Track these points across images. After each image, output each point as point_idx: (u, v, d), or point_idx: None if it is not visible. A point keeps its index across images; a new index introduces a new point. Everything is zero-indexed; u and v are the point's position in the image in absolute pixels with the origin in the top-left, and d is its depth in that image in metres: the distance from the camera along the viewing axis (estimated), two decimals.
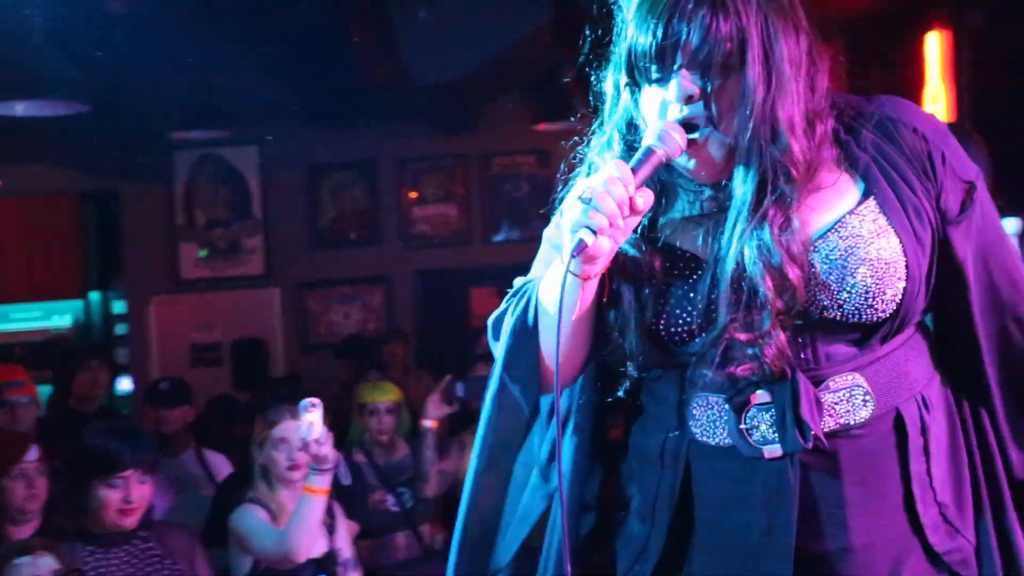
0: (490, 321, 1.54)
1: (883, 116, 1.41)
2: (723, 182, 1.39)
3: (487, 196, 7.17)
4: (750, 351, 1.33)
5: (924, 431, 1.40)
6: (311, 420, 3.12)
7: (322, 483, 3.19)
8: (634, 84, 1.40)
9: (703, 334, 1.37)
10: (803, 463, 1.36)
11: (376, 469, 4.28)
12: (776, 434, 1.35)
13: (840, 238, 1.36)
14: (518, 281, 1.55)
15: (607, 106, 1.47)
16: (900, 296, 1.34)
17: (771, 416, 1.35)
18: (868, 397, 1.37)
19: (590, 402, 1.53)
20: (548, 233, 1.55)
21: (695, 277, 1.39)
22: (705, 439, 1.42)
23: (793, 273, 1.31)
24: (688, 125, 1.34)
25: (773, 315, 1.31)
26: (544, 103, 6.03)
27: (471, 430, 4.10)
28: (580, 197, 1.30)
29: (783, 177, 1.33)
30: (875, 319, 1.35)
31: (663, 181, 1.44)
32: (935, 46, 5.39)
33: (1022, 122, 4.03)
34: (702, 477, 1.43)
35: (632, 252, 1.40)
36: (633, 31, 1.35)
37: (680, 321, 1.38)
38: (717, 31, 1.30)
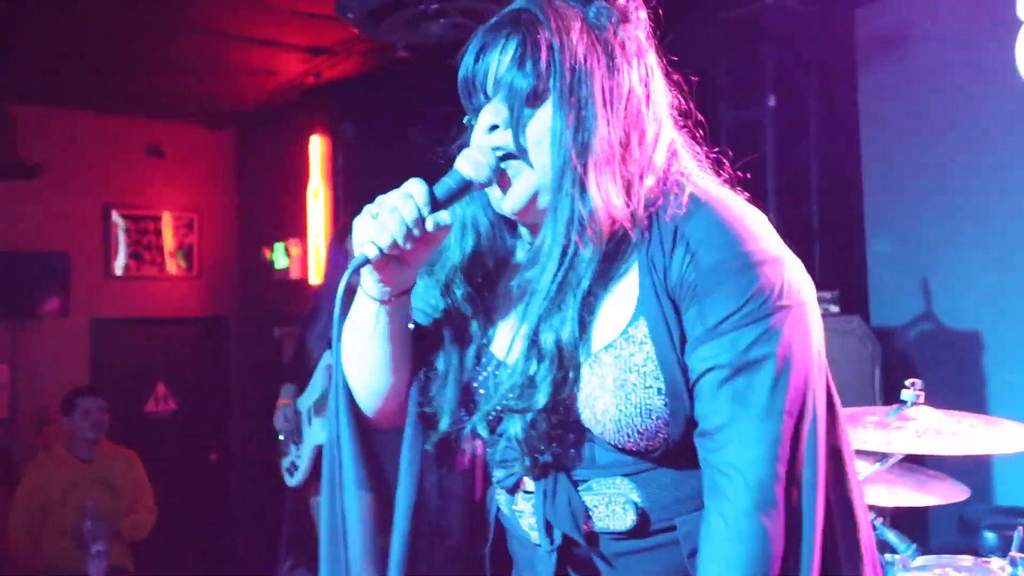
0: None
1: (680, 227, 1.23)
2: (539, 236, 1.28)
3: None
4: (510, 438, 1.25)
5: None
6: None
7: None
8: (472, 117, 1.33)
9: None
10: (575, 558, 1.29)
11: None
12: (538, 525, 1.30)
13: (608, 364, 1.22)
14: None
15: None
16: (662, 434, 1.22)
17: (533, 507, 1.30)
18: (629, 505, 1.25)
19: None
20: None
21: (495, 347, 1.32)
22: (501, 507, 1.38)
23: (563, 380, 1.22)
24: (504, 156, 1.27)
25: (535, 410, 1.22)
26: None
27: None
28: (369, 211, 1.24)
29: (582, 239, 1.22)
30: (634, 449, 1.23)
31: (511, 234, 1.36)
32: (317, 149, 6.14)
33: None
34: (508, 540, 1.40)
35: (462, 308, 1.34)
36: (460, 61, 1.31)
37: (479, 391, 1.32)
38: (524, 61, 1.24)
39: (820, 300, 3.68)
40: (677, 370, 1.20)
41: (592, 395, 1.22)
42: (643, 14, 1.31)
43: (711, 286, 1.18)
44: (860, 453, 2.43)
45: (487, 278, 1.36)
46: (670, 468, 1.25)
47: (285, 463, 4.33)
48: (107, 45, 5.27)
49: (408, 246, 1.22)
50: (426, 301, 1.38)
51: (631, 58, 1.26)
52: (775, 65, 4.00)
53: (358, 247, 1.22)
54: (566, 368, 1.22)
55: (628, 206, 1.23)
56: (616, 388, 1.21)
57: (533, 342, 1.22)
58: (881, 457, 2.44)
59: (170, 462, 5.15)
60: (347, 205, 5.81)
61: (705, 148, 1.37)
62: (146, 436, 5.82)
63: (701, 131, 1.36)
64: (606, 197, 1.21)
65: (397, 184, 1.26)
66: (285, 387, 4.33)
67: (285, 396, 4.32)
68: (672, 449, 1.22)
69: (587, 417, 1.23)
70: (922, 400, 2.40)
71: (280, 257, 6.59)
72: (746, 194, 1.35)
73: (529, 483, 1.29)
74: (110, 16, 4.78)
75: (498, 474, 1.33)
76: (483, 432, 1.29)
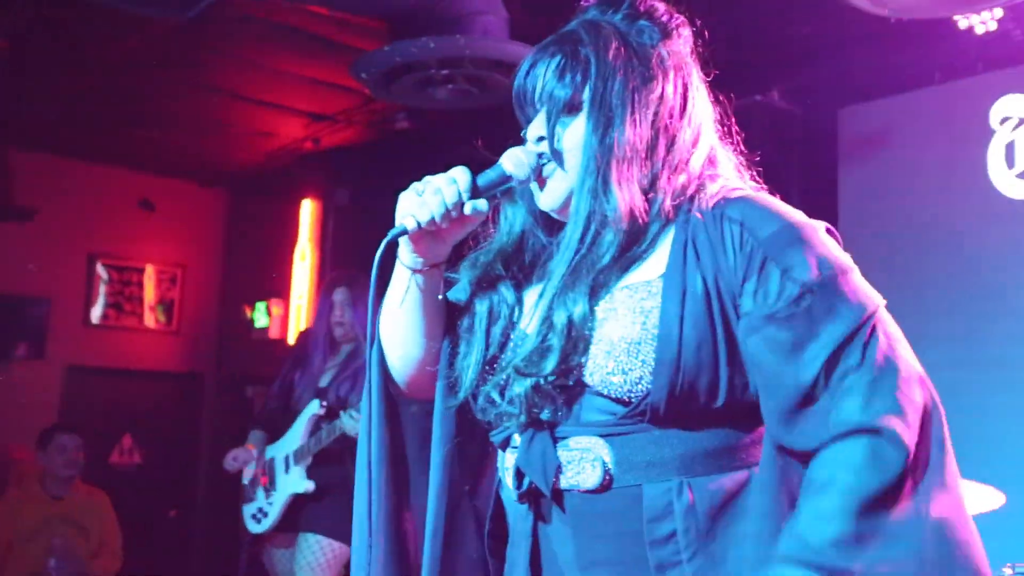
0: None
1: (723, 211, 1.32)
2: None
3: None
4: (513, 396, 1.34)
5: (672, 518, 1.27)
6: None
7: None
8: (525, 129, 1.45)
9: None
10: (543, 514, 1.37)
11: None
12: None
13: (620, 301, 1.31)
14: None
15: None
16: (643, 383, 1.27)
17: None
18: (597, 464, 1.30)
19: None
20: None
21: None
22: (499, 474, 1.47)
23: (572, 350, 1.30)
24: (544, 159, 1.39)
25: (542, 375, 1.30)
26: None
27: None
28: (415, 188, 1.36)
29: (602, 232, 1.33)
30: (617, 393, 1.29)
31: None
32: (307, 212, 6.27)
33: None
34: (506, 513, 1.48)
35: (496, 290, 1.45)
36: (514, 79, 1.45)
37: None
38: (564, 75, 1.37)
39: None
40: (676, 325, 1.26)
41: (604, 320, 1.30)
42: (686, 31, 1.44)
43: (778, 251, 1.27)
44: None
45: (524, 268, 1.48)
46: (649, 430, 1.29)
47: (251, 509, 4.25)
48: (109, 99, 5.38)
49: (444, 225, 1.36)
50: (467, 280, 1.49)
51: (668, 70, 1.38)
52: (758, 159, 4.18)
53: (399, 218, 1.35)
54: (575, 340, 1.30)
55: (648, 199, 1.35)
56: (622, 318, 1.29)
57: (547, 317, 1.33)
58: None
59: (131, 515, 5.11)
60: (334, 269, 5.91)
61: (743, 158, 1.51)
62: (109, 487, 5.77)
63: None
64: (626, 193, 1.32)
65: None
66: (253, 433, 4.32)
67: (252, 442, 4.29)
68: (653, 406, 1.27)
69: (593, 351, 1.29)
70: None
71: (260, 316, 6.64)
72: None
73: (517, 439, 1.37)
74: (114, 72, 4.91)
75: (493, 433, 1.42)
76: (496, 396, 1.37)
